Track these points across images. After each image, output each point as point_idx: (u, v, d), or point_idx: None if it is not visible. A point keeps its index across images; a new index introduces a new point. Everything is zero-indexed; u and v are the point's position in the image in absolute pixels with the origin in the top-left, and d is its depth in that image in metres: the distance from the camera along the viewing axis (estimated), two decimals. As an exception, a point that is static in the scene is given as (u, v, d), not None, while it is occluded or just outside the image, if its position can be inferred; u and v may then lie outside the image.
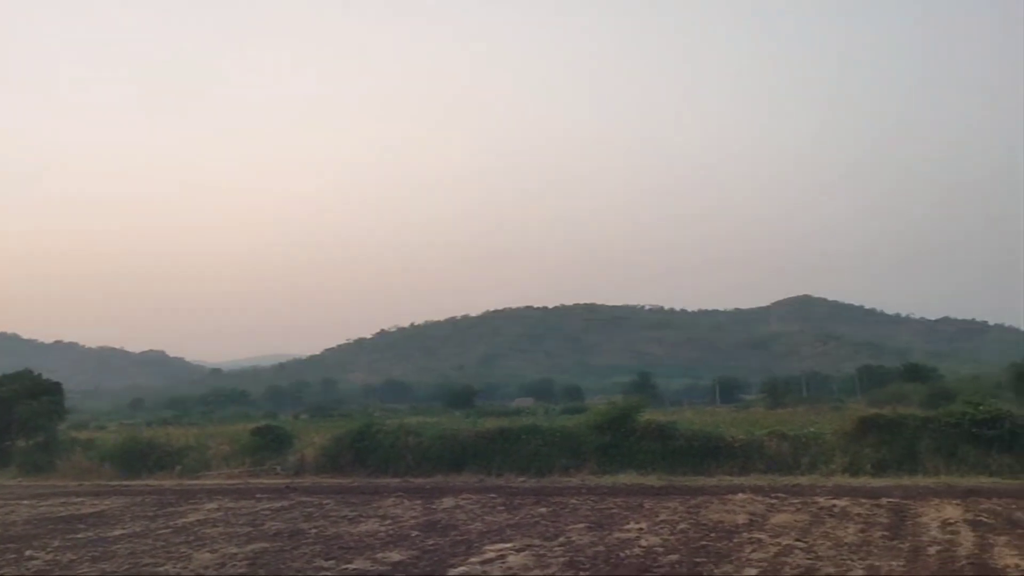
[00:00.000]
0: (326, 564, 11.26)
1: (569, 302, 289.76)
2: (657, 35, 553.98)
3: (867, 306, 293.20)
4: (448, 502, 17.27)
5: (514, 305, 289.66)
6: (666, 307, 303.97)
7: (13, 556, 12.80)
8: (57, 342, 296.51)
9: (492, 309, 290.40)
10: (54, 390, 34.87)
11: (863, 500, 15.53)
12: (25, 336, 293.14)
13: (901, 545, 11.26)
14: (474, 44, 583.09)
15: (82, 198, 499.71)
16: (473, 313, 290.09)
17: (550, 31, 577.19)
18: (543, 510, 15.57)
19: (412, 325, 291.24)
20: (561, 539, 12.38)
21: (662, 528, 13.06)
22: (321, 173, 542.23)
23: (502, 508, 16.16)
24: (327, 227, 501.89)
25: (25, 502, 20.94)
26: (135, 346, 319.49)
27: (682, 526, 13.21)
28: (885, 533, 12.17)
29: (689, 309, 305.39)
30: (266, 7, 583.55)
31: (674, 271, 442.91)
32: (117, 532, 15.07)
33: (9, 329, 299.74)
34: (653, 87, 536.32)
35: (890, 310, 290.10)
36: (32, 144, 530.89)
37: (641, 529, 13.00)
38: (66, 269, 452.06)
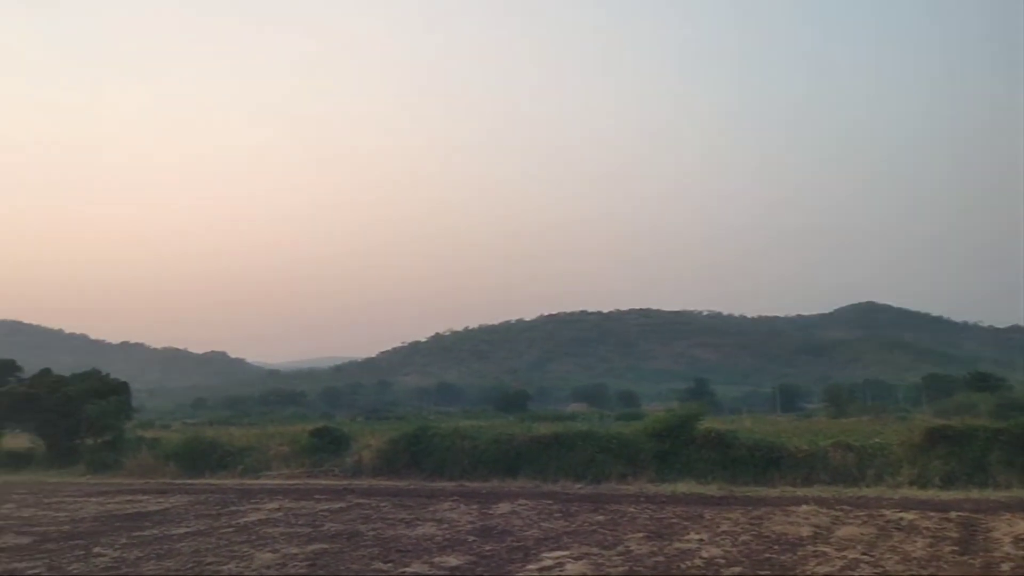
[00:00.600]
0: (384, 566, 11.30)
1: (624, 307, 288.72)
2: (716, 33, 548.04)
3: (933, 313, 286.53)
4: (504, 507, 17.23)
5: (568, 310, 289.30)
6: (724, 313, 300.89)
7: (81, 552, 13.10)
8: (124, 343, 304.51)
9: (546, 313, 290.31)
10: (121, 389, 35.74)
11: (931, 513, 15.09)
12: (94, 337, 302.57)
13: (972, 561, 10.91)
14: (534, 49, 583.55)
15: (147, 206, 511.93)
16: (527, 317, 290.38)
17: (600, 35, 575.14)
18: (600, 518, 15.43)
19: (466, 329, 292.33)
20: (619, 548, 12.25)
21: (723, 539, 12.84)
22: (378, 180, 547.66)
23: (559, 515, 16.07)
24: (383, 232, 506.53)
25: (93, 499, 21.47)
26: (198, 347, 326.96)
27: (744, 537, 12.98)
28: (955, 548, 11.80)
29: (748, 315, 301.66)
30: None
31: (732, 276, 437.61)
32: (181, 530, 15.34)
33: (79, 330, 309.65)
34: (706, 89, 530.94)
35: (957, 317, 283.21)
36: (92, 151, 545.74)
37: (702, 540, 12.80)
38: (133, 272, 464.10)
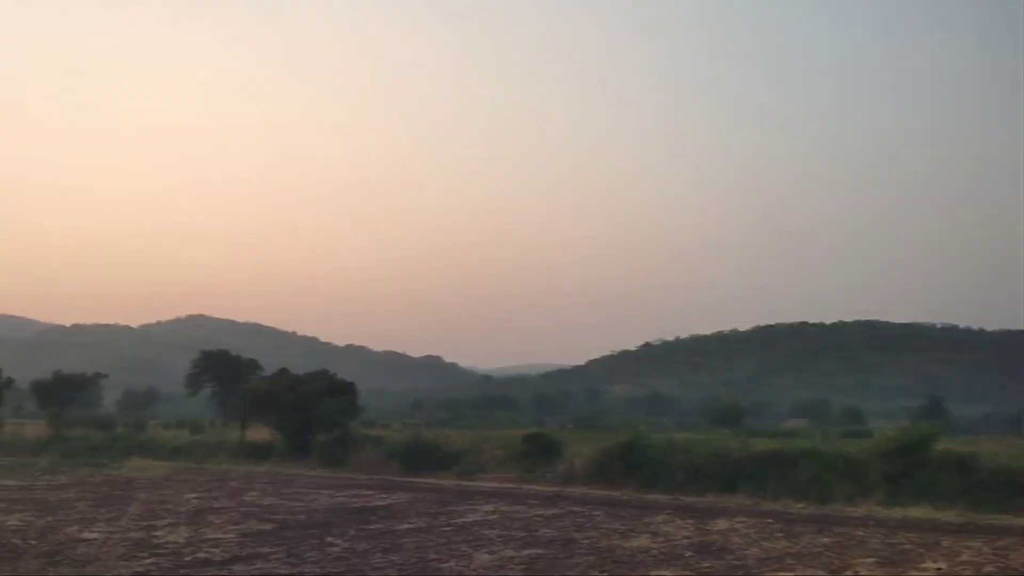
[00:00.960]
0: (600, 576, 11.24)
1: (848, 318, 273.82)
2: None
3: None
4: (721, 524, 16.72)
5: (787, 320, 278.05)
6: (960, 326, 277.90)
7: (316, 541, 13.98)
8: (349, 345, 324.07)
9: (762, 324, 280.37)
10: (349, 389, 37.96)
11: None
12: (323, 339, 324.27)
13: None
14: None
15: (378, 221, 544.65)
16: (741, 327, 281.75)
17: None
18: (826, 540, 14.62)
19: (677, 339, 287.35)
20: (848, 573, 11.54)
21: (964, 569, 11.81)
22: (588, 186, 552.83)
23: (780, 534, 15.38)
24: (593, 239, 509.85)
25: (325, 492, 22.88)
26: (415, 351, 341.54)
27: (988, 569, 11.88)
28: None
29: (987, 328, 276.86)
30: None
31: (970, 286, 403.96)
32: (404, 526, 16.03)
33: (310, 332, 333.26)
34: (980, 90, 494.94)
35: None
36: (330, 167, 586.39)
37: (940, 569, 11.83)
38: (359, 279, 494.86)
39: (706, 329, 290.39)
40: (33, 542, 13.69)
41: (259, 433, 42.47)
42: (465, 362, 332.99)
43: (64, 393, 70.73)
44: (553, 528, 15.96)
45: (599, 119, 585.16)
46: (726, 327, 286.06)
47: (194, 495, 21.66)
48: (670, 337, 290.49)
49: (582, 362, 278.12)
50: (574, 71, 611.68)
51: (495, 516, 17.77)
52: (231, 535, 14.66)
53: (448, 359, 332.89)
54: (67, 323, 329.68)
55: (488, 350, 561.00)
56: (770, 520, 17.33)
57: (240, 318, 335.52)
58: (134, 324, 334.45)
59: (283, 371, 42.08)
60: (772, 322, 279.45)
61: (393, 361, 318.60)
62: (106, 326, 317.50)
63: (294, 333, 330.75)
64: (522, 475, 27.47)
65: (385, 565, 11.91)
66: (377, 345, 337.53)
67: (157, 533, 14.78)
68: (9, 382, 55.25)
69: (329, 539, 14.21)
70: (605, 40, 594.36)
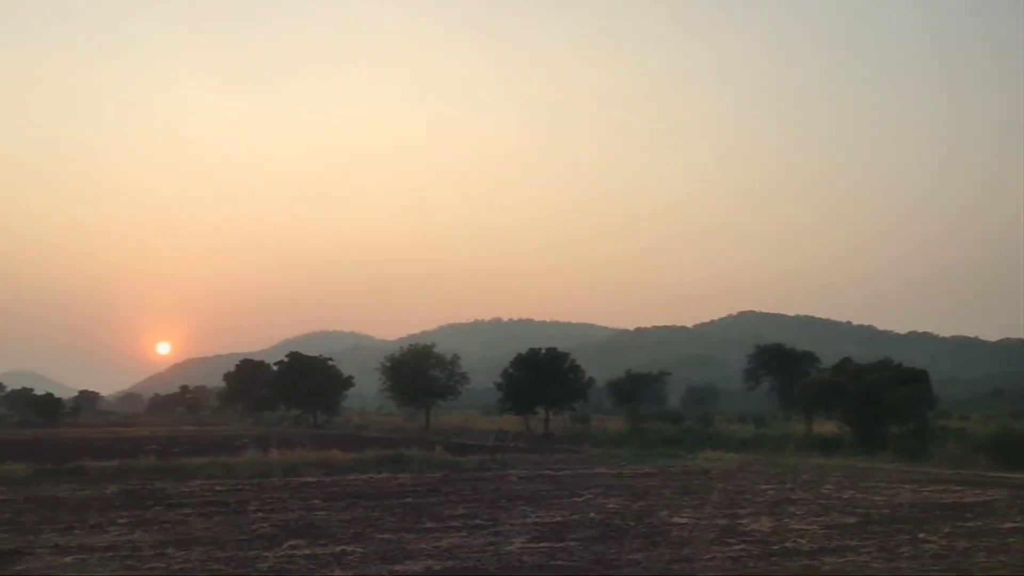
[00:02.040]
0: None
1: None
2: None
3: None
4: None
5: None
6: None
7: (907, 536, 13.17)
8: (911, 332, 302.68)
9: None
10: (921, 378, 35.42)
11: None
12: (880, 328, 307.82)
13: None
14: None
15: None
16: None
17: None
18: None
19: None
20: None
21: None
22: None
23: None
24: None
25: (906, 486, 21.53)
26: (992, 334, 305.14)
27: None
28: None
29: None
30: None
31: None
32: (1007, 525, 14.36)
33: (866, 321, 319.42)
34: None
35: None
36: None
37: None
38: (919, 262, 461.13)
39: None
40: (632, 523, 15.02)
41: (823, 426, 41.75)
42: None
43: (635, 390, 77.72)
44: None
45: None
46: None
47: (768, 486, 21.93)
48: None
49: None
50: None
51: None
52: (814, 526, 14.48)
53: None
54: (631, 327, 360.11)
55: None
56: None
57: (790, 311, 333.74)
58: (689, 324, 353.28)
59: (846, 361, 40.81)
60: None
61: (964, 346, 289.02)
62: (665, 327, 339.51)
63: (848, 323, 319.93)
64: None
65: (994, 566, 10.73)
66: (943, 330, 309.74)
67: (741, 521, 15.20)
68: (591, 382, 62.15)
69: (921, 535, 13.26)
70: None
